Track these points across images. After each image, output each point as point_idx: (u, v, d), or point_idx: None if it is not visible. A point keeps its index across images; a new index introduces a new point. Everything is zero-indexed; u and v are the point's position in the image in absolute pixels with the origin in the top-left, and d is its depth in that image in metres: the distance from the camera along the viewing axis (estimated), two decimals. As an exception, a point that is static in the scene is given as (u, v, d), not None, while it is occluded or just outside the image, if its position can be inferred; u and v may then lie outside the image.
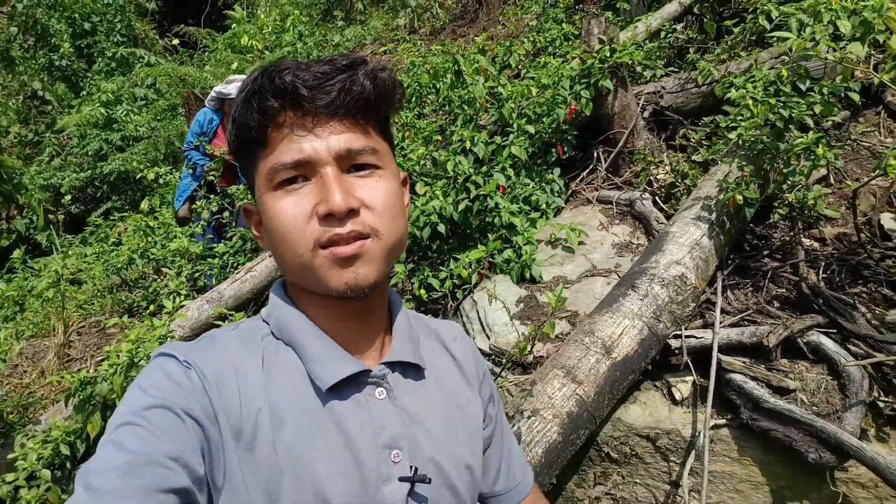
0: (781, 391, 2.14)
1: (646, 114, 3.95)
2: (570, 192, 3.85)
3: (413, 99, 4.42)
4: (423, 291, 3.18)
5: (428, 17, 8.38)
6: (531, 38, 5.43)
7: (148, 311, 3.33)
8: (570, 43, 5.03)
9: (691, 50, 4.27)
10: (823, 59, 2.12)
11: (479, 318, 2.97)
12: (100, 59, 8.94)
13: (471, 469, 0.88)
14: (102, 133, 8.04)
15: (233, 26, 9.79)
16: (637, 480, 2.34)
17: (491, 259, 3.21)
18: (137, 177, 4.50)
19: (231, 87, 4.55)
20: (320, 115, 0.75)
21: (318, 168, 0.75)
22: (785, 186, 2.71)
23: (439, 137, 4.05)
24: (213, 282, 4.13)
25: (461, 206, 3.25)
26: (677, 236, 2.61)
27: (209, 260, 4.27)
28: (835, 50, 2.26)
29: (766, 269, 2.63)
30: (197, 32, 9.76)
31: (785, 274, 2.58)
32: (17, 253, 3.99)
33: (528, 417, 2.08)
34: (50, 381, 2.97)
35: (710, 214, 2.63)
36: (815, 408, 2.10)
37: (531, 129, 3.72)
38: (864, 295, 2.44)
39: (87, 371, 3.87)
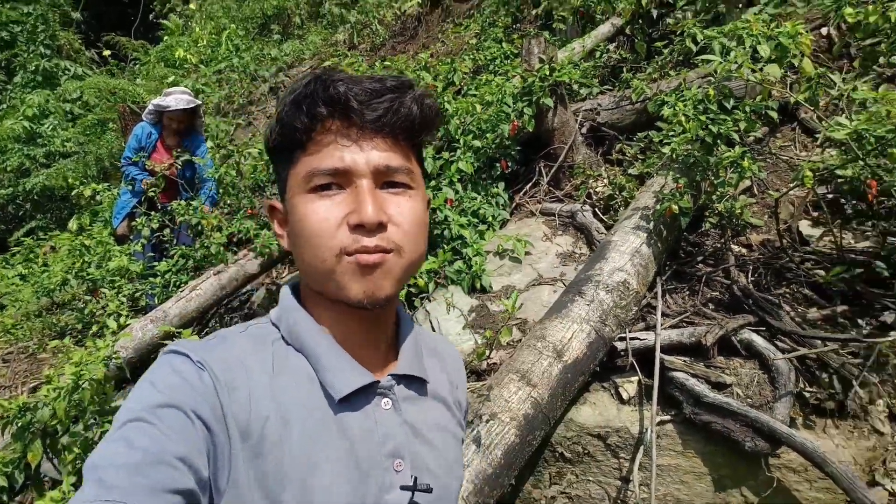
0: (719, 386, 2.31)
1: (584, 130, 4.15)
2: (514, 204, 3.98)
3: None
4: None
5: (368, 34, 8.44)
6: (472, 56, 5.59)
7: (91, 333, 3.20)
8: (510, 61, 5.21)
9: (624, 69, 4.51)
10: (746, 80, 2.32)
11: (433, 327, 3.03)
12: (21, 70, 8.51)
13: (459, 487, 0.93)
14: (25, 148, 7.65)
15: (165, 39, 9.55)
16: (590, 478, 2.44)
17: (439, 271, 3.28)
18: (73, 193, 4.30)
19: (169, 98, 4.44)
20: (366, 129, 0.77)
21: (355, 179, 0.77)
22: (715, 197, 2.93)
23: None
24: (156, 301, 4.01)
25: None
26: (619, 245, 2.77)
27: (151, 279, 4.15)
28: (754, 71, 2.47)
29: (700, 273, 2.82)
30: (128, 44, 9.43)
31: (718, 278, 2.78)
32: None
33: (487, 421, 2.15)
34: (-17, 409, 2.81)
35: (648, 224, 2.80)
36: (749, 400, 2.28)
37: (478, 143, 3.84)
38: (787, 295, 2.66)
39: (16, 397, 3.66)
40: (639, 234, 2.78)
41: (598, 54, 4.83)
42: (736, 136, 2.66)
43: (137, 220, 4.19)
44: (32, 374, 4.37)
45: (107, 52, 9.27)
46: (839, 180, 2.70)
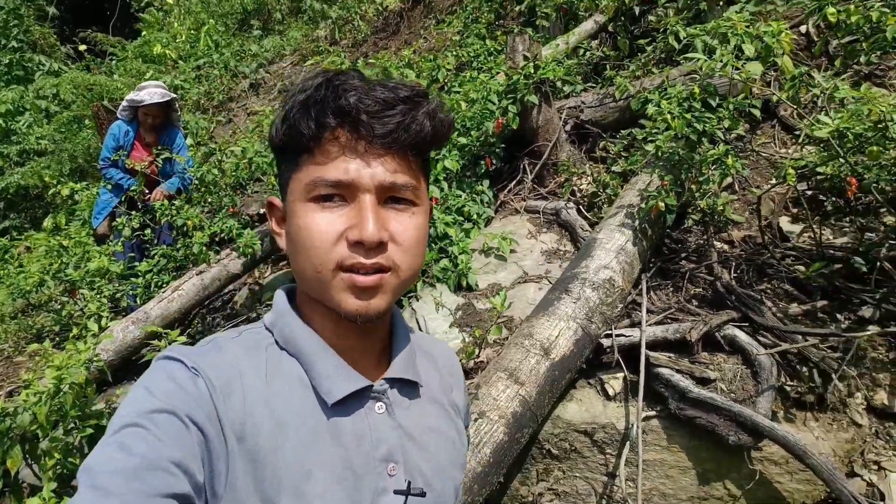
0: (703, 381, 2.34)
1: (567, 127, 4.17)
2: (498, 202, 3.99)
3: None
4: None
5: (349, 29, 8.38)
6: (454, 53, 5.58)
7: (72, 335, 3.15)
8: (493, 58, 5.21)
9: (608, 66, 4.53)
10: (730, 79, 2.35)
11: (419, 326, 3.02)
12: (-6, 66, 8.33)
13: (456, 489, 0.91)
14: (-2, 146, 7.49)
15: (143, 34, 9.39)
16: (577, 474, 2.46)
17: (426, 269, 3.28)
18: (50, 192, 4.22)
19: (143, 93, 4.36)
20: (374, 144, 0.76)
21: (359, 193, 0.76)
22: (697, 194, 2.96)
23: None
24: (138, 302, 3.95)
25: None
26: (604, 242, 2.79)
27: (132, 279, 4.08)
28: (738, 69, 2.50)
29: (683, 270, 2.85)
30: (105, 40, 9.25)
31: (701, 274, 2.81)
32: None
33: (476, 420, 2.16)
34: (-41, 414, 2.75)
35: (633, 221, 2.82)
36: (732, 395, 2.31)
37: (463, 140, 3.84)
38: (768, 291, 2.70)
39: (-4, 402, 3.58)
40: (624, 231, 2.80)
41: (581, 52, 4.84)
42: (721, 134, 2.69)
43: (118, 219, 4.12)
44: (9, 378, 4.29)
45: (83, 48, 9.08)
46: (819, 177, 2.75)
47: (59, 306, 4.33)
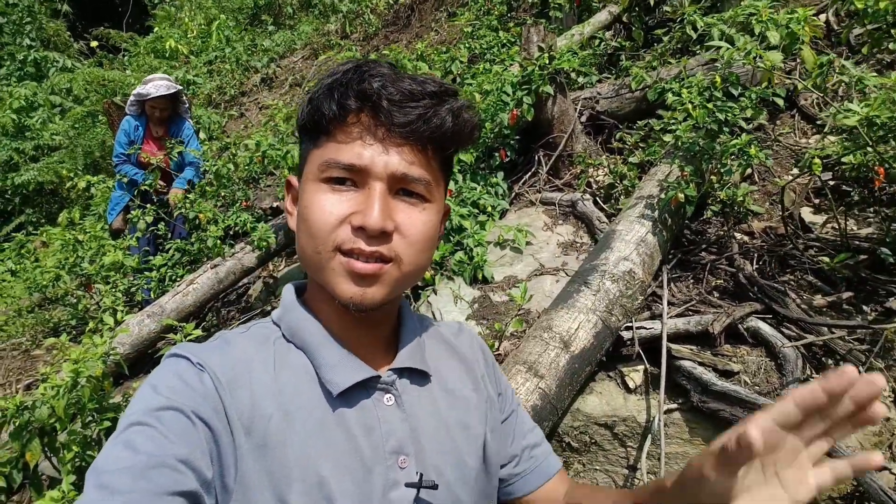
0: (726, 374, 2.30)
1: (583, 118, 4.12)
2: (513, 194, 3.96)
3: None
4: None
5: (360, 23, 8.36)
6: (467, 45, 5.54)
7: (88, 329, 3.16)
8: (506, 49, 5.17)
9: (623, 57, 4.48)
10: (753, 67, 2.30)
11: (435, 318, 3.00)
12: (8, 62, 8.37)
13: (476, 471, 0.89)
14: (13, 142, 7.53)
15: (155, 30, 9.41)
16: (597, 467, 2.44)
17: (443, 263, 3.26)
18: (67, 186, 4.24)
19: (149, 86, 4.36)
20: (393, 132, 0.75)
21: (370, 179, 0.76)
22: (717, 185, 2.91)
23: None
24: (152, 296, 3.96)
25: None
26: (624, 234, 2.75)
27: (146, 273, 4.09)
28: (760, 57, 2.45)
29: (704, 262, 2.81)
30: (118, 36, 9.29)
31: (722, 266, 2.77)
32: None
33: (496, 413, 2.14)
34: (-21, 407, 2.76)
35: (653, 212, 2.78)
36: (757, 388, 2.27)
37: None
38: (792, 282, 2.65)
39: (14, 396, 3.61)
40: (643, 223, 2.76)
41: (596, 42, 4.79)
42: (744, 124, 2.64)
43: (133, 213, 4.13)
44: (26, 372, 4.32)
45: (94, 44, 9.13)
46: (843, 167, 2.69)
47: (74, 300, 4.35)
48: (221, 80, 8.11)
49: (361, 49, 7.62)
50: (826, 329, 2.33)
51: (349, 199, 0.76)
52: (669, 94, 2.92)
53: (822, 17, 4.08)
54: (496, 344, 2.42)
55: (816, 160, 2.16)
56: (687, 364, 2.33)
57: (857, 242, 2.65)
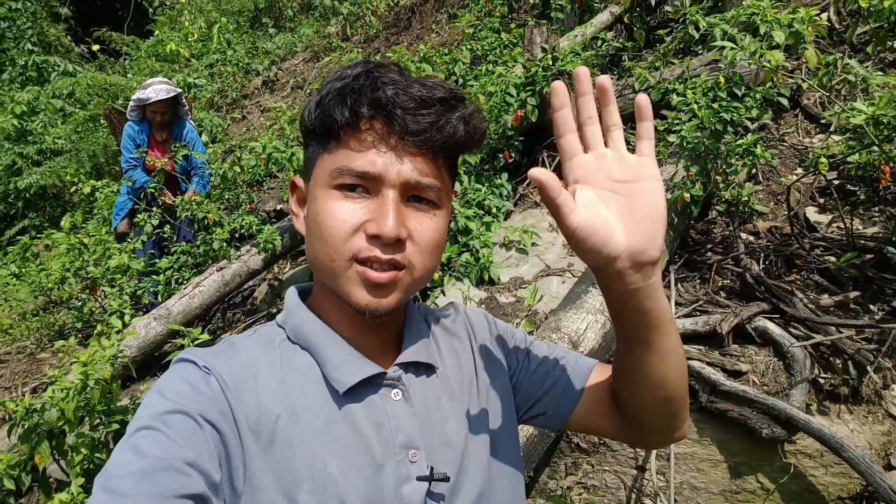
0: (735, 374, 2.31)
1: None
2: (518, 195, 3.97)
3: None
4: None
5: (361, 25, 8.36)
6: (468, 47, 5.55)
7: (96, 332, 3.17)
8: (509, 51, 5.18)
9: (626, 58, 4.49)
10: (758, 67, 2.31)
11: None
12: (10, 67, 8.38)
13: (488, 456, 0.88)
14: (15, 146, 7.54)
15: (156, 33, 9.43)
16: (605, 468, 2.44)
17: (451, 264, 3.27)
18: (72, 190, 4.24)
19: (149, 90, 4.35)
20: (406, 140, 0.75)
21: (383, 187, 0.76)
22: (722, 185, 2.92)
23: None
24: (159, 298, 3.97)
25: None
26: (630, 234, 2.75)
27: (152, 276, 4.10)
28: (762, 56, 2.46)
29: (710, 262, 2.82)
30: (119, 39, 9.30)
31: (728, 266, 2.78)
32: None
33: (505, 414, 2.14)
34: (-11, 411, 2.77)
35: (658, 212, 2.78)
36: (765, 387, 2.28)
37: (481, 134, 3.82)
38: (798, 282, 2.66)
39: (21, 399, 3.61)
40: (649, 223, 2.77)
41: (599, 43, 4.80)
42: (749, 124, 2.65)
43: (139, 216, 4.13)
44: (32, 375, 4.32)
45: (96, 47, 9.13)
46: (849, 166, 2.70)
47: (79, 303, 4.36)
48: (223, 82, 8.12)
49: (363, 51, 7.63)
50: (834, 328, 2.34)
51: (362, 206, 0.76)
52: (674, 95, 2.93)
53: (824, 15, 4.10)
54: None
55: (823, 160, 2.17)
56: (695, 364, 2.34)
57: (862, 242, 2.66)
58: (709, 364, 2.32)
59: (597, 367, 0.98)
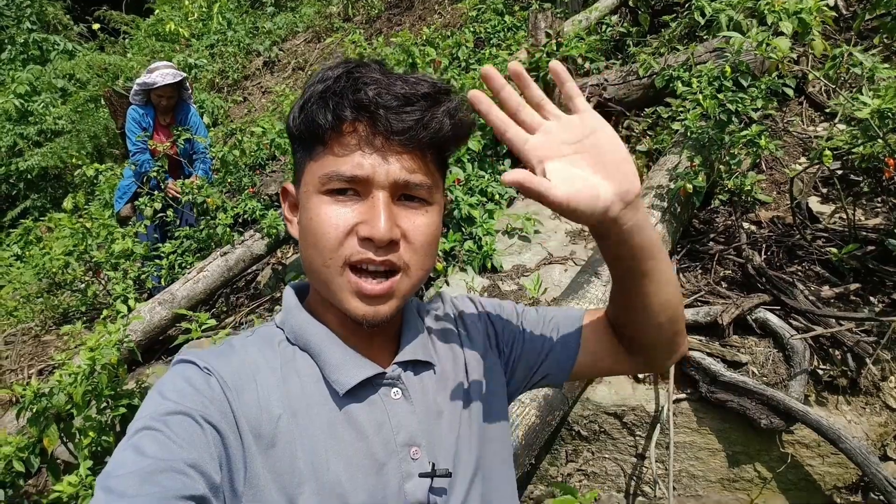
0: (735, 365, 2.33)
1: (590, 105, 4.10)
2: (520, 182, 3.95)
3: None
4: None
5: (363, 5, 8.26)
6: (472, 29, 5.49)
7: (102, 316, 3.19)
8: (513, 34, 5.13)
9: (630, 42, 4.45)
10: (764, 56, 2.29)
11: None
12: (10, 46, 8.30)
13: (488, 434, 0.90)
14: (16, 127, 7.51)
15: (156, 12, 9.32)
16: (606, 455, 2.48)
17: (455, 253, 3.28)
18: (76, 172, 4.24)
19: (154, 75, 4.30)
20: (392, 140, 0.74)
21: (373, 189, 0.75)
22: (725, 174, 2.92)
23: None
24: (162, 283, 3.99)
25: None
26: (632, 224, 2.76)
27: (156, 261, 4.12)
28: (768, 44, 2.44)
29: (712, 252, 2.83)
30: (119, 17, 9.20)
31: (730, 256, 2.79)
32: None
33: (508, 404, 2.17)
34: (-3, 394, 2.81)
35: (662, 202, 2.79)
36: (764, 378, 2.30)
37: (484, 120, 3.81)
38: (799, 273, 2.67)
39: (29, 382, 3.65)
40: (653, 212, 2.78)
41: (603, 28, 4.75)
42: (754, 114, 2.64)
43: (140, 199, 4.13)
44: (38, 357, 4.36)
45: (96, 26, 9.04)
46: (852, 156, 2.70)
47: (83, 286, 4.38)
48: (224, 63, 8.05)
49: (364, 32, 7.55)
50: (834, 321, 2.36)
51: (353, 208, 0.76)
52: (679, 84, 2.91)
53: (831, 1, 4.05)
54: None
55: (827, 152, 2.17)
56: (696, 354, 2.36)
57: (864, 233, 2.66)
58: (709, 355, 2.35)
59: (586, 315, 1.01)
